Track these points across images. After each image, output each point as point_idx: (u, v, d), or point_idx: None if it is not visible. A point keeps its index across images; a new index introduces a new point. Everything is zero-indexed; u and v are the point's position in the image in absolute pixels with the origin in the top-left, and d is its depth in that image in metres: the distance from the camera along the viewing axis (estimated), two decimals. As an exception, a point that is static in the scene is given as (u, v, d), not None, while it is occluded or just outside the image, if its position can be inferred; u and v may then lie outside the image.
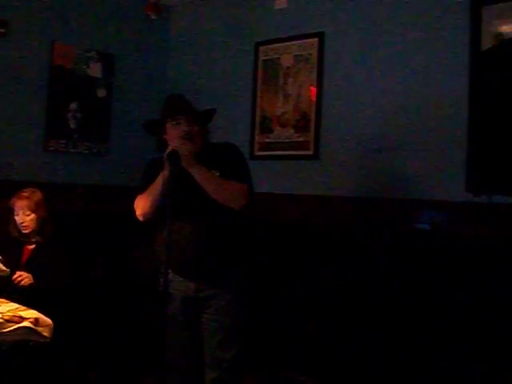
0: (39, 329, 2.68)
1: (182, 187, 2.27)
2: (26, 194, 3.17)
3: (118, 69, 4.40)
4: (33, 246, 3.20)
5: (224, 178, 2.36)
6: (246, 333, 2.50)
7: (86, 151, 4.23)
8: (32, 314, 2.70)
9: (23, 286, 2.97)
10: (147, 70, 4.60)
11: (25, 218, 3.13)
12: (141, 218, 2.43)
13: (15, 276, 2.98)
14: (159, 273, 2.38)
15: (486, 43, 2.98)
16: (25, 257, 3.18)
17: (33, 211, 3.14)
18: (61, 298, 2.98)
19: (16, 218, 3.15)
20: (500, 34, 2.95)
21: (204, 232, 2.36)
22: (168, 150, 2.26)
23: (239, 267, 2.51)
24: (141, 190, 2.45)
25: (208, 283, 2.41)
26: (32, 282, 3.01)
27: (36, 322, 2.67)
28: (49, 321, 2.74)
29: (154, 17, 4.14)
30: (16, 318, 2.64)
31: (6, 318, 2.61)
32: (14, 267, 3.02)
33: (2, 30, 3.71)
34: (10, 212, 3.17)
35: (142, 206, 2.42)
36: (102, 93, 4.33)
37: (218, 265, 2.41)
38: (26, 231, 3.16)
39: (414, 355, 2.91)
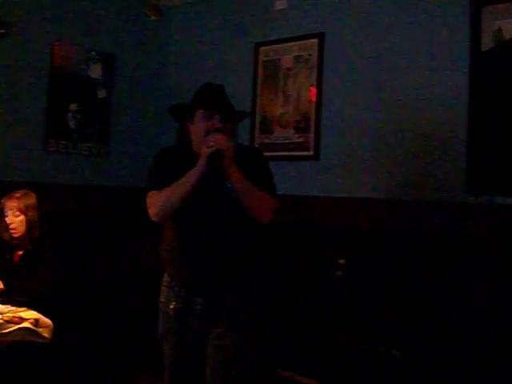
0: (39, 330, 2.68)
1: (210, 188, 2.07)
2: (17, 195, 3.05)
3: (119, 69, 4.41)
4: (21, 252, 3.06)
5: (258, 188, 2.07)
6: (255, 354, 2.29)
7: (86, 152, 4.23)
8: (32, 314, 2.70)
9: None
10: (147, 71, 4.60)
11: (13, 218, 3.00)
12: (156, 218, 2.11)
13: None
14: (165, 285, 2.21)
15: (486, 43, 2.98)
16: (15, 262, 3.05)
17: (22, 213, 3.01)
18: (60, 299, 2.97)
19: (6, 219, 3.02)
20: (500, 35, 2.95)
21: (225, 242, 2.13)
22: (211, 150, 1.98)
23: (253, 281, 2.26)
24: (154, 185, 2.12)
25: (218, 298, 2.14)
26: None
27: (36, 322, 2.68)
28: (49, 322, 2.74)
29: (154, 17, 4.13)
30: (16, 319, 2.64)
31: (5, 318, 2.62)
32: (5, 271, 2.94)
33: (2, 31, 3.71)
34: (1, 214, 3.05)
35: (161, 204, 2.08)
36: (102, 93, 4.33)
37: (233, 279, 2.17)
38: (16, 235, 3.02)
39: (414, 355, 2.90)
